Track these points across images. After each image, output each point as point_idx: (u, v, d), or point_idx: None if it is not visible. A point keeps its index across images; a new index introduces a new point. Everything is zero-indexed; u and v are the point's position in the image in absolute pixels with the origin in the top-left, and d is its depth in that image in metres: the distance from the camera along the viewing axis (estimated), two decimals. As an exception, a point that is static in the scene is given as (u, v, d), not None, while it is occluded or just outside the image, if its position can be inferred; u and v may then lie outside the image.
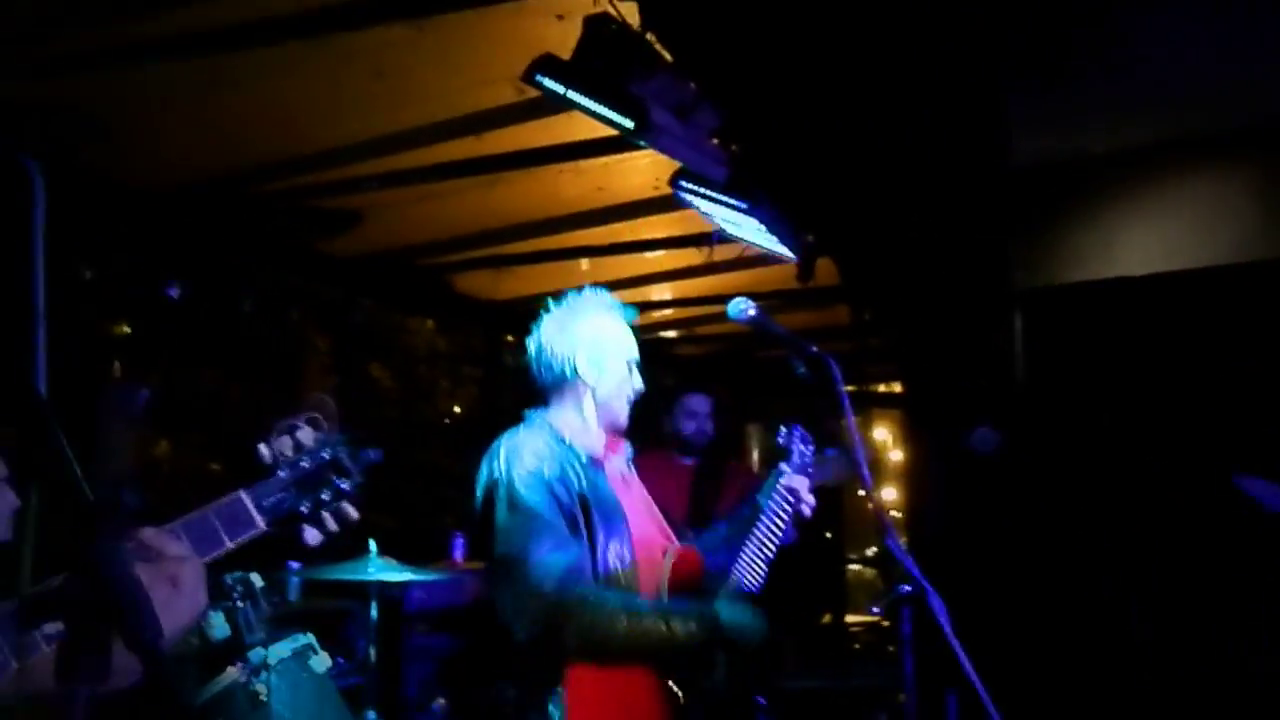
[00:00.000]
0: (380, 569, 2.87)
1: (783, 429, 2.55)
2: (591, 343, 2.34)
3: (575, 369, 2.32)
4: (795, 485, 2.43)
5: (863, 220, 3.84)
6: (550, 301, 2.44)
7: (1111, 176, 4.06)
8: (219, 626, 2.41)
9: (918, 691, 2.24)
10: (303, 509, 1.26)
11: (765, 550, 2.40)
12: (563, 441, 2.27)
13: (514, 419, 2.41)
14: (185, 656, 2.40)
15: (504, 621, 2.16)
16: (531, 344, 2.40)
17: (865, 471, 2.26)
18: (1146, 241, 3.97)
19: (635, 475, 2.49)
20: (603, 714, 2.12)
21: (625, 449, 2.45)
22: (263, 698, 2.28)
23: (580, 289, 2.52)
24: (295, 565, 2.95)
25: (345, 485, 1.29)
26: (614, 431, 2.39)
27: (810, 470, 2.48)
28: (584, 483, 2.22)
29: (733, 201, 2.86)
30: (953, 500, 4.18)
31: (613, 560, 2.18)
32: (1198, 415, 3.76)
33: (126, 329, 4.11)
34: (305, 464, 1.27)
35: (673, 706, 2.17)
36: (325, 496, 1.28)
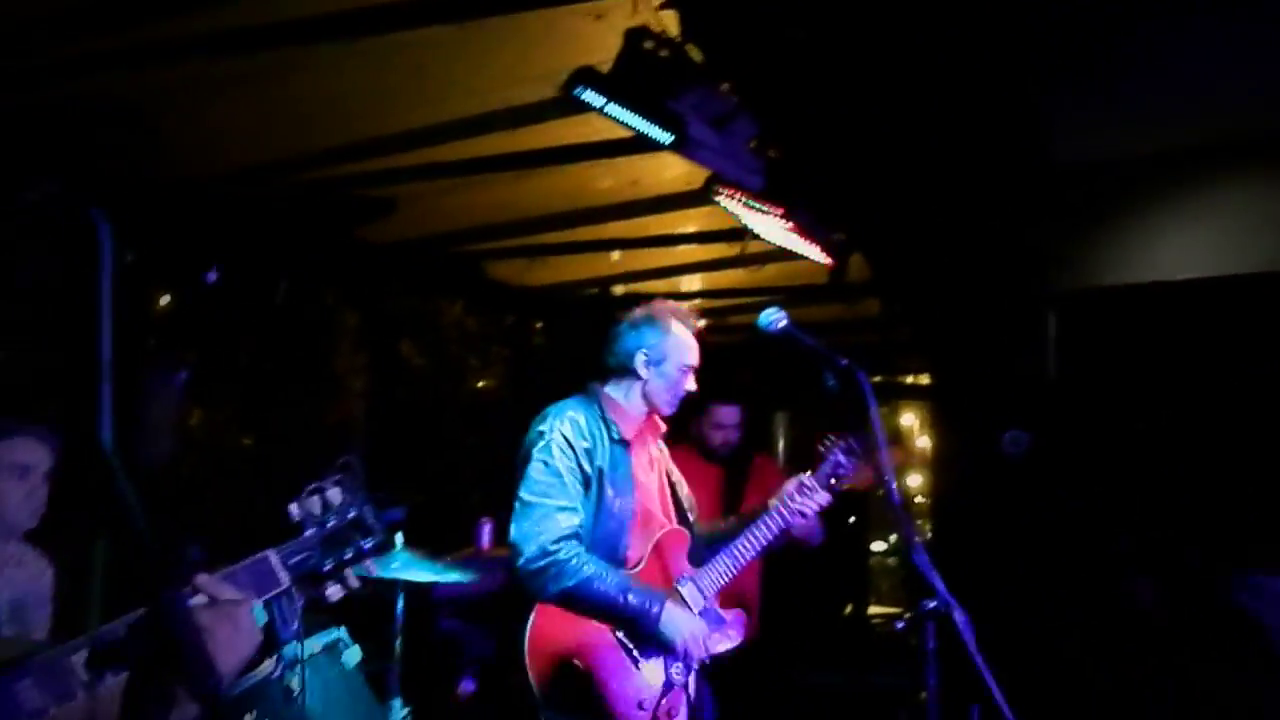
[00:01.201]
0: (407, 565, 2.91)
1: (830, 437, 2.83)
2: (655, 346, 2.78)
3: (635, 363, 2.77)
4: (806, 504, 2.78)
5: (898, 219, 3.82)
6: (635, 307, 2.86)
7: (1153, 179, 4.00)
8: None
9: (941, 705, 2.27)
10: (325, 567, 1.33)
11: (749, 549, 2.79)
12: (603, 417, 2.74)
13: (542, 398, 2.82)
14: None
15: (510, 546, 2.58)
16: (613, 330, 2.85)
17: (893, 486, 2.29)
18: (1186, 246, 3.91)
19: (667, 458, 2.94)
20: (559, 648, 2.54)
21: (661, 433, 2.90)
22: (295, 692, 2.34)
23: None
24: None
25: (367, 544, 1.37)
26: (655, 417, 2.82)
27: (842, 479, 2.80)
28: (606, 458, 2.69)
29: (768, 209, 2.86)
30: (983, 501, 4.17)
31: (613, 524, 2.66)
32: (1232, 423, 3.72)
33: (166, 310, 4.18)
34: (331, 523, 1.35)
35: (624, 656, 2.60)
36: (348, 555, 1.35)
